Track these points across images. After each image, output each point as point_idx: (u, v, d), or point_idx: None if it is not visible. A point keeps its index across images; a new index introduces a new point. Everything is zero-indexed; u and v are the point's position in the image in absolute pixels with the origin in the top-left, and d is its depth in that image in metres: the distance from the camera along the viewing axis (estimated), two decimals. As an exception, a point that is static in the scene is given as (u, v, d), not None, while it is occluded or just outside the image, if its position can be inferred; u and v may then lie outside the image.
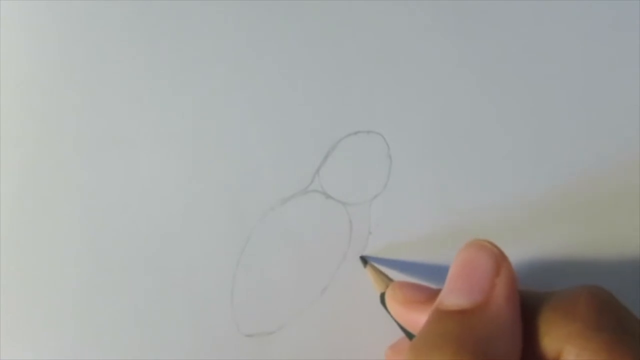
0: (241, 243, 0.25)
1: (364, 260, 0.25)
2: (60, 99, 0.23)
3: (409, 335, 0.21)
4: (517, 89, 0.26)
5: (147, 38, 0.24)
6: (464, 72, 0.26)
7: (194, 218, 0.24)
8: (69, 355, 0.23)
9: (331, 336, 0.25)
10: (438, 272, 0.26)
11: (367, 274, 0.25)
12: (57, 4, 0.23)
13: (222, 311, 0.24)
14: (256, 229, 0.25)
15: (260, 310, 0.25)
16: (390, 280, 0.23)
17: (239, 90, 0.25)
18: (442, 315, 0.19)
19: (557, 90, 0.27)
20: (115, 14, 0.24)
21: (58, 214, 0.23)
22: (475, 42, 0.26)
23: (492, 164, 0.26)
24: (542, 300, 0.19)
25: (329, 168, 0.25)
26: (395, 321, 0.22)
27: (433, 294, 0.21)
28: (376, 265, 0.25)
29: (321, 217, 0.25)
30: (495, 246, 0.19)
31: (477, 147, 0.26)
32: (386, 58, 0.26)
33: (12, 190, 0.23)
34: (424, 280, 0.25)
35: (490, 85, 0.26)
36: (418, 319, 0.21)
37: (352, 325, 0.24)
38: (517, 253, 0.27)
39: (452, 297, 0.19)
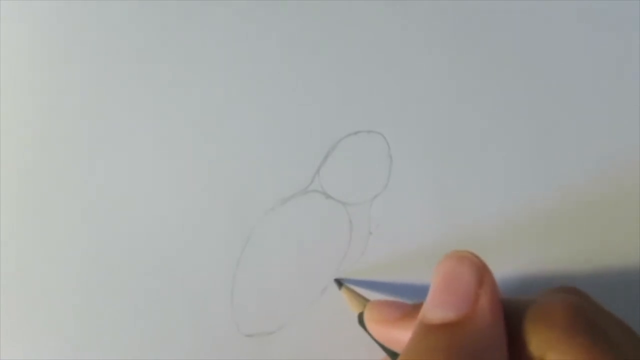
0: (241, 243, 0.25)
1: (339, 282, 0.25)
2: (60, 99, 0.23)
3: (391, 354, 0.21)
4: (518, 89, 0.26)
5: (148, 38, 0.24)
6: (465, 72, 0.26)
7: (194, 218, 0.24)
8: (69, 355, 0.23)
9: (331, 336, 0.25)
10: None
11: (342, 296, 0.25)
12: (57, 4, 0.23)
13: (222, 311, 0.24)
14: (256, 229, 0.25)
15: (260, 310, 0.25)
16: (366, 300, 0.23)
17: (239, 90, 0.25)
18: (428, 329, 0.19)
19: (558, 90, 0.27)
20: (116, 13, 0.24)
21: (58, 213, 0.23)
22: (476, 43, 0.26)
23: (492, 164, 0.26)
24: (522, 309, 0.19)
25: (329, 168, 0.25)
26: (376, 341, 0.22)
27: (410, 310, 0.21)
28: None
29: (321, 217, 0.25)
30: (477, 257, 0.19)
31: (477, 148, 0.26)
32: (386, 58, 0.26)
33: (12, 190, 0.23)
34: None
35: (491, 85, 0.26)
36: (398, 336, 0.21)
37: (352, 325, 0.24)
38: (517, 254, 0.27)
39: (437, 310, 0.19)
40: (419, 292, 0.26)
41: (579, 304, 0.19)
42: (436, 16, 0.26)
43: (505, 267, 0.26)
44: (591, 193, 0.27)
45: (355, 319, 0.23)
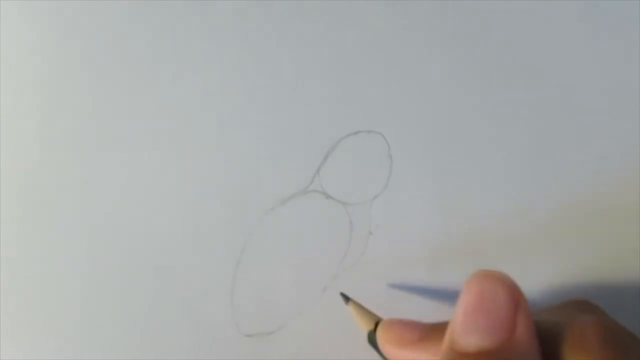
0: (241, 243, 0.25)
1: (346, 297, 0.24)
2: (61, 98, 0.23)
3: None
4: (518, 89, 0.26)
5: (148, 38, 0.24)
6: (465, 72, 0.26)
7: (194, 218, 0.24)
8: (69, 355, 0.23)
9: (331, 336, 0.25)
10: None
11: (349, 311, 0.24)
12: (57, 4, 0.23)
13: (222, 311, 0.24)
14: (256, 229, 0.25)
15: (260, 310, 0.25)
16: (375, 316, 0.23)
17: (239, 90, 0.25)
18: (462, 358, 0.17)
19: (558, 90, 0.27)
20: (116, 13, 0.24)
21: (58, 213, 0.23)
22: (476, 43, 0.26)
23: (493, 165, 0.26)
24: (555, 332, 0.18)
25: (329, 168, 0.25)
26: None
27: (428, 331, 0.20)
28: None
29: (321, 217, 0.25)
30: (509, 278, 0.18)
31: (477, 148, 0.26)
32: (386, 58, 0.26)
33: (12, 190, 0.23)
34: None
35: (491, 86, 0.26)
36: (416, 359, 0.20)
37: (352, 325, 0.24)
38: (517, 254, 0.27)
39: (470, 336, 0.17)
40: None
41: (607, 326, 0.18)
42: (436, 16, 0.26)
43: (505, 268, 0.26)
44: (591, 193, 0.27)
45: (355, 318, 0.23)
